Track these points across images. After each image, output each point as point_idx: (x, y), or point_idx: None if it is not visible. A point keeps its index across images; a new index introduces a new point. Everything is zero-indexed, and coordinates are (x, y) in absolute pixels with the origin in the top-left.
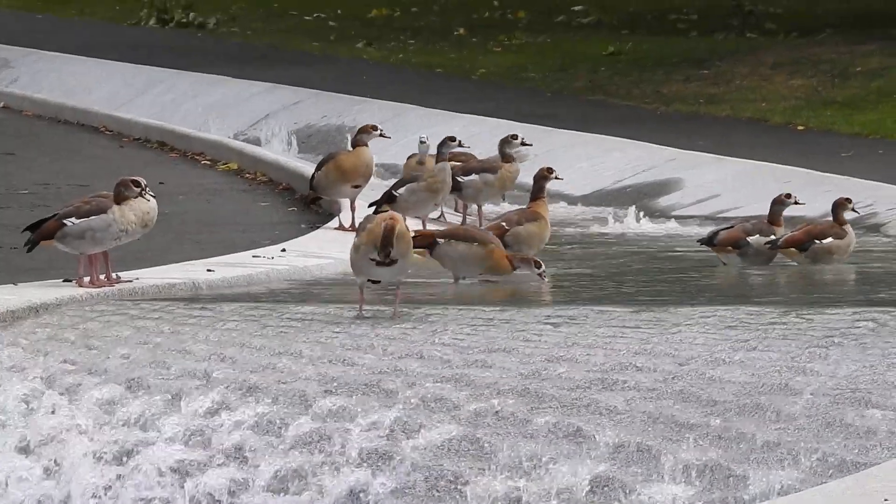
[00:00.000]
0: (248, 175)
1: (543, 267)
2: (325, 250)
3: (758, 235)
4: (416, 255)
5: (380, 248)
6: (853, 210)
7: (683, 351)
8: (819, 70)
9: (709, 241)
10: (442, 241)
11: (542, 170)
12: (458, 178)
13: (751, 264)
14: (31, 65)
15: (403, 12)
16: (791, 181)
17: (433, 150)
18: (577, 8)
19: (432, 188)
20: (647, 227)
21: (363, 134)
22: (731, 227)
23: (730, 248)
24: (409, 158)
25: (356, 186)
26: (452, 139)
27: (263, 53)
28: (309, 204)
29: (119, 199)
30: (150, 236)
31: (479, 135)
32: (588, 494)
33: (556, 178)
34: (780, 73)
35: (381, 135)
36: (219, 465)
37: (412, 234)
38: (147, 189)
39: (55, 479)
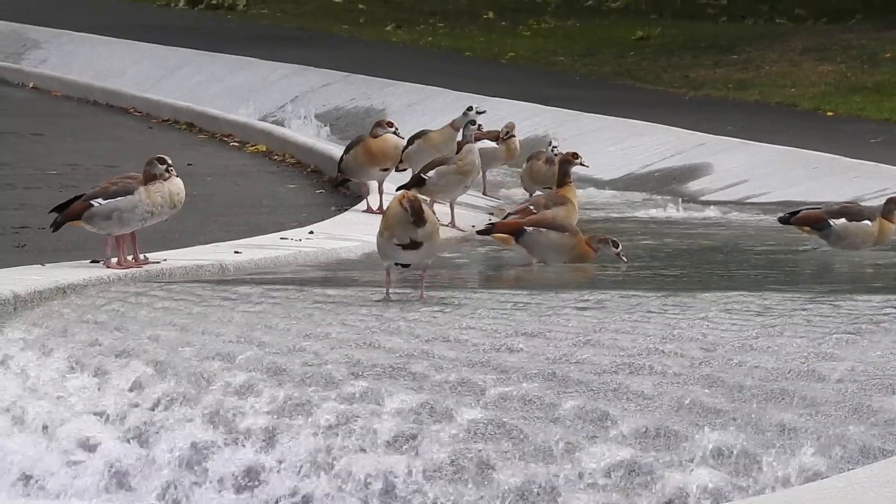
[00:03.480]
0: (276, 157)
1: (621, 246)
2: (353, 233)
3: (843, 219)
4: (499, 239)
5: (412, 217)
6: None
7: (710, 336)
8: (848, 56)
9: (786, 219)
10: (530, 229)
11: (566, 154)
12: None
13: (835, 247)
14: (61, 46)
15: None
16: (819, 167)
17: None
18: None
19: (462, 171)
20: (676, 211)
21: (378, 128)
22: (817, 207)
23: (807, 228)
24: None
25: (384, 169)
26: (473, 122)
27: (292, 35)
28: (337, 186)
29: (147, 179)
30: (177, 218)
31: (507, 118)
32: (614, 479)
33: (582, 164)
34: (809, 58)
35: (395, 132)
36: (245, 447)
37: (492, 224)
38: (171, 168)
39: (78, 462)
